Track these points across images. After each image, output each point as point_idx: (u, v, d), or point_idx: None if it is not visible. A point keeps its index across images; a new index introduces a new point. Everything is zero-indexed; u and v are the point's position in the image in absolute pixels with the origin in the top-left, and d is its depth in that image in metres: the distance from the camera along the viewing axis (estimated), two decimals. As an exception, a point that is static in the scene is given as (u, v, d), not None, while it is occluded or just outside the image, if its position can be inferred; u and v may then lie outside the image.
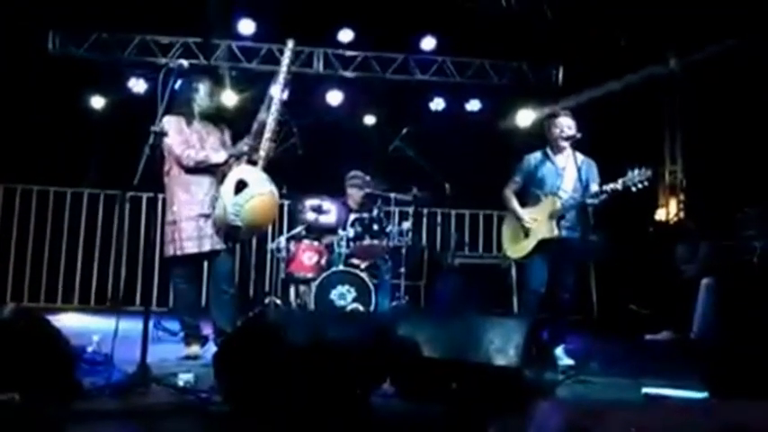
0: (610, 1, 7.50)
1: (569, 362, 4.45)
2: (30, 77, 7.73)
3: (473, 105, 8.91)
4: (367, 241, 6.02)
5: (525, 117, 8.45)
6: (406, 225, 6.39)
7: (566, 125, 4.62)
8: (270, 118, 4.41)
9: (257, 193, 4.27)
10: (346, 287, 5.79)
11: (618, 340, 6.15)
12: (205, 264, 4.60)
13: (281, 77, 4.50)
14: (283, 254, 6.24)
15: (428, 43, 8.54)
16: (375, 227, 6.09)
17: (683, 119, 8.42)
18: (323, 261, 6.07)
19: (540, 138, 4.89)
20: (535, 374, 3.31)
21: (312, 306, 5.74)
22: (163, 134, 3.78)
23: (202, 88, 4.52)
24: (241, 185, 4.26)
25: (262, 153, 4.40)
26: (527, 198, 4.77)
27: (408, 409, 3.16)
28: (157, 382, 3.33)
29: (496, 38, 8.14)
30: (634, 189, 4.28)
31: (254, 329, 3.04)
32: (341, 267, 5.92)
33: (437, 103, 8.87)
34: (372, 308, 5.74)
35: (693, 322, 5.89)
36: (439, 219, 7.98)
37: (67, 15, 7.86)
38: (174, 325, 4.87)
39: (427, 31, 8.42)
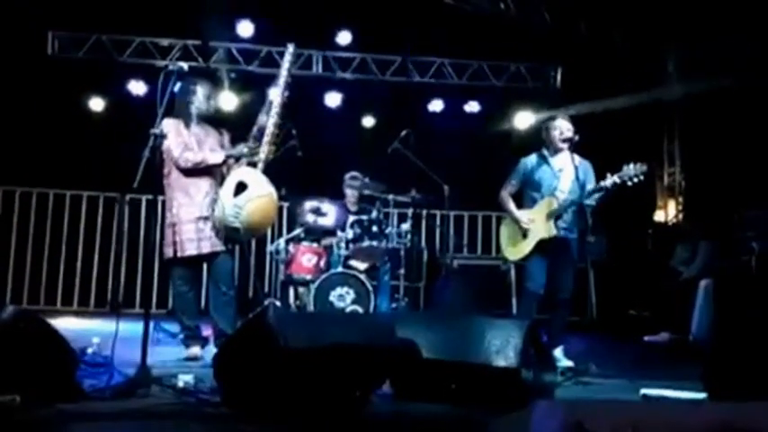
0: (607, 2, 7.53)
1: (568, 363, 4.46)
2: (29, 80, 7.73)
3: (472, 107, 8.93)
4: (366, 243, 6.03)
5: (524, 119, 8.48)
6: (405, 227, 6.41)
7: (564, 127, 4.64)
8: (269, 121, 4.43)
9: (256, 195, 4.28)
10: (345, 289, 5.80)
11: (616, 341, 6.16)
12: (204, 266, 4.61)
13: (281, 81, 4.51)
14: (282, 255, 6.25)
15: (425, 45, 8.55)
16: (374, 228, 6.10)
17: (681, 120, 8.44)
18: (322, 263, 6.08)
19: (538, 139, 4.90)
20: (534, 375, 3.32)
21: (311, 307, 5.75)
22: (162, 137, 3.79)
23: (200, 91, 4.53)
24: (240, 187, 4.27)
25: (261, 155, 4.41)
26: (524, 201, 4.78)
27: (408, 410, 3.17)
28: (158, 383, 3.33)
29: (495, 40, 8.16)
30: (630, 183, 4.30)
31: (254, 331, 3.04)
32: (340, 269, 5.93)
33: (435, 105, 8.89)
34: (371, 309, 5.75)
35: (692, 323, 5.91)
36: (438, 220, 7.99)
37: (67, 18, 7.87)
38: (173, 327, 4.87)
39: (425, 32, 8.43)
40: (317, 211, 6.29)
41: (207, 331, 4.59)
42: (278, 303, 6.25)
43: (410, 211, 6.59)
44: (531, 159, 4.77)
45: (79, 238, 8.05)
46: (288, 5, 7.45)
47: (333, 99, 8.65)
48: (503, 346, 3.20)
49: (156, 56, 8.28)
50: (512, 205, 4.78)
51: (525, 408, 1.75)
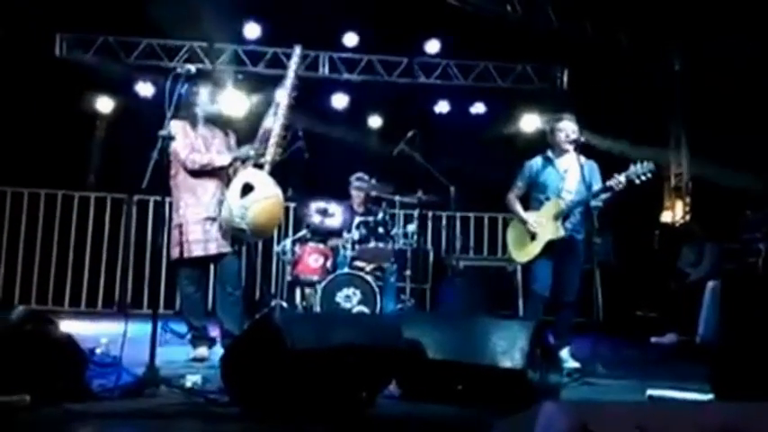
0: (612, 2, 7.51)
1: (575, 364, 4.46)
2: (37, 82, 7.77)
3: (477, 108, 8.93)
4: (372, 244, 6.04)
5: (530, 121, 8.47)
6: (411, 228, 6.41)
7: (570, 129, 4.63)
8: (276, 122, 4.44)
9: (263, 196, 4.29)
10: (352, 290, 5.80)
11: (623, 342, 6.15)
12: (211, 266, 4.63)
13: (288, 82, 4.52)
14: (289, 256, 6.26)
15: (432, 46, 8.56)
16: (380, 230, 6.10)
17: (688, 121, 8.41)
18: (328, 264, 6.09)
19: (544, 140, 4.90)
20: (540, 376, 3.32)
21: (318, 308, 5.76)
22: (170, 138, 3.81)
23: (204, 92, 4.54)
24: (247, 189, 4.28)
25: (268, 157, 4.42)
26: (530, 203, 4.78)
27: (414, 410, 3.18)
28: (166, 383, 3.35)
29: (501, 41, 8.15)
30: (638, 182, 4.30)
31: (261, 332, 3.05)
32: (346, 270, 5.93)
33: (442, 107, 8.89)
34: (378, 310, 5.75)
35: (699, 325, 5.89)
36: (444, 221, 7.99)
37: (74, 19, 7.91)
38: (181, 327, 4.89)
39: (431, 34, 8.45)
40: (324, 212, 6.30)
41: (214, 332, 4.61)
42: (284, 304, 6.26)
43: (416, 213, 6.59)
44: (537, 162, 4.77)
45: (87, 239, 8.08)
46: (294, 7, 7.47)
47: (339, 100, 8.67)
48: (509, 346, 3.21)
49: (163, 57, 8.31)
50: (519, 208, 4.78)
51: (531, 408, 1.75)
